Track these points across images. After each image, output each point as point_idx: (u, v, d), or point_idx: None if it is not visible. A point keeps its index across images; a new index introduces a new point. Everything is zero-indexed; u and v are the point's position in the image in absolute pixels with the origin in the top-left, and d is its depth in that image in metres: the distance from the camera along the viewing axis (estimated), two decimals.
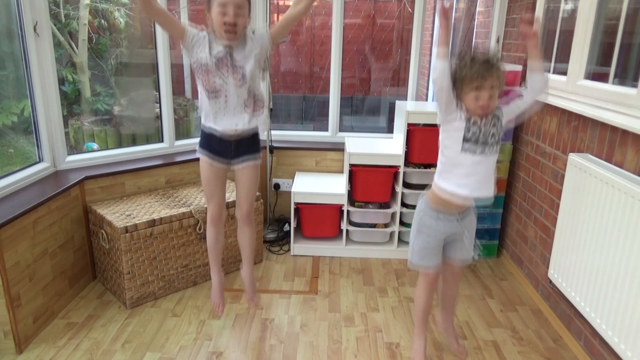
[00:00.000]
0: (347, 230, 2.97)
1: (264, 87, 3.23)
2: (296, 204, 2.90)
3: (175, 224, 2.40)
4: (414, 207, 2.89)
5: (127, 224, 2.24)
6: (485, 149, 1.70)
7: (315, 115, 4.33)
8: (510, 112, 1.73)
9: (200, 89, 1.88)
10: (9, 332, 1.96)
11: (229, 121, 1.89)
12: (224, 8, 1.73)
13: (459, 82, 1.64)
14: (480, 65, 1.60)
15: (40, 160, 2.45)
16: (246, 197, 2.09)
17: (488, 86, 1.61)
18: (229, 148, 1.96)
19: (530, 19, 1.72)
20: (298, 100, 4.42)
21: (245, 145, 1.98)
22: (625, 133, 1.80)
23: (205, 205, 2.50)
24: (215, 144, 1.95)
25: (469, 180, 1.73)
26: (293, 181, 3.12)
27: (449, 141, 1.73)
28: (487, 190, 1.76)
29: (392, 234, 2.98)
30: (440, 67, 1.63)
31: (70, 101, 4.13)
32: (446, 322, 2.07)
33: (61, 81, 3.90)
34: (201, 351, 2.05)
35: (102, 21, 4.16)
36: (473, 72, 1.60)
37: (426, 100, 4.25)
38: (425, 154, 2.81)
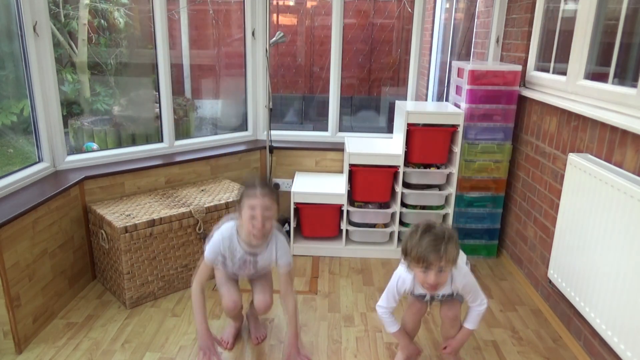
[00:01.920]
0: (346, 230, 2.97)
1: (265, 91, 3.22)
2: (296, 204, 2.90)
3: (175, 224, 2.40)
4: (413, 207, 2.90)
5: (127, 224, 2.24)
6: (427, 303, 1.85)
7: (315, 115, 4.33)
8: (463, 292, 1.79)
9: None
10: (8, 332, 1.96)
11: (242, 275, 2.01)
12: (253, 211, 1.75)
13: (408, 256, 1.63)
14: (428, 246, 1.56)
15: (40, 160, 2.45)
16: (267, 292, 2.03)
17: (435, 268, 1.58)
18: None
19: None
20: (298, 100, 4.42)
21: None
22: (624, 133, 1.80)
23: (205, 205, 2.50)
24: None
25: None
26: (293, 181, 3.12)
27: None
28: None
29: (392, 234, 2.98)
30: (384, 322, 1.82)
31: (70, 101, 4.13)
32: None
33: (61, 81, 3.90)
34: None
35: (102, 21, 4.16)
36: (419, 253, 1.57)
37: (426, 100, 4.25)
38: (425, 154, 2.81)
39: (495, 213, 2.90)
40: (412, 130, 2.75)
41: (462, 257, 1.77)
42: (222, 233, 1.86)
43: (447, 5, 4.35)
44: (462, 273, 1.73)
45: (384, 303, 1.82)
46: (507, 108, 2.72)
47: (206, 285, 1.92)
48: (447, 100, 3.37)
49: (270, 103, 3.13)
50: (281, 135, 3.35)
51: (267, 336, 2.17)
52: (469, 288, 1.76)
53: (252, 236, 1.80)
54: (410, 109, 2.77)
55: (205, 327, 1.89)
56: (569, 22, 2.35)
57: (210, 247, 1.86)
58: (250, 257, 1.89)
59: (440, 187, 2.91)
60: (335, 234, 3.02)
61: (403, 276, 1.78)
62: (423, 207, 2.90)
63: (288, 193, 2.97)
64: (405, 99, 3.35)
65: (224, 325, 2.24)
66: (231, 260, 1.89)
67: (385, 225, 2.96)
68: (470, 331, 1.84)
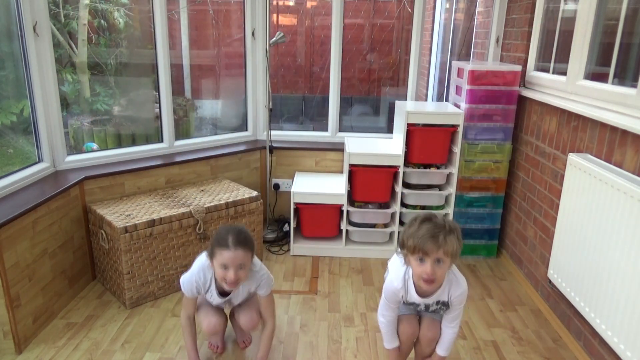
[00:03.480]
0: (346, 230, 2.97)
1: (265, 91, 3.22)
2: (296, 204, 2.90)
3: (175, 224, 2.40)
4: (413, 207, 2.90)
5: (127, 224, 2.24)
6: (421, 314, 1.79)
7: (315, 115, 4.33)
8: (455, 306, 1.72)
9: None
10: (8, 332, 1.96)
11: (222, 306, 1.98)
12: (226, 267, 1.70)
13: (404, 246, 1.57)
14: (427, 234, 1.50)
15: (40, 160, 2.45)
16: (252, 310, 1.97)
17: (432, 259, 1.51)
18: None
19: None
20: (298, 100, 4.42)
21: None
22: (624, 133, 1.80)
23: (205, 206, 2.50)
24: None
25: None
26: (293, 181, 3.12)
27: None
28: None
29: (391, 234, 2.98)
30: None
31: (70, 101, 4.12)
32: None
33: (61, 81, 3.90)
34: (201, 351, 2.05)
35: (102, 21, 4.15)
36: (417, 242, 1.51)
37: (426, 100, 4.25)
38: (425, 154, 2.81)
39: (495, 213, 2.90)
40: (412, 131, 2.75)
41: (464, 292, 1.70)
42: (198, 269, 1.81)
43: (447, 5, 4.35)
44: (461, 280, 1.67)
45: (383, 311, 1.76)
46: (507, 108, 2.72)
47: (193, 315, 1.89)
48: (447, 100, 3.37)
49: (270, 103, 3.13)
50: (281, 135, 3.35)
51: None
52: (460, 300, 1.68)
53: (224, 285, 1.75)
54: (410, 109, 2.77)
55: (195, 354, 1.91)
56: (569, 22, 2.35)
57: (186, 283, 1.81)
58: (224, 303, 1.91)
59: (440, 187, 2.91)
60: (335, 234, 3.02)
61: (392, 277, 1.71)
62: (423, 207, 2.90)
63: (288, 193, 2.97)
64: (405, 99, 3.35)
65: None
66: (210, 294, 1.86)
67: (385, 226, 2.96)
68: (442, 358, 1.79)
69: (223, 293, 1.86)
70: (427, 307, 1.72)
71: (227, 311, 2.05)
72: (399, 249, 1.62)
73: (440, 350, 1.78)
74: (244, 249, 1.71)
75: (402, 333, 1.80)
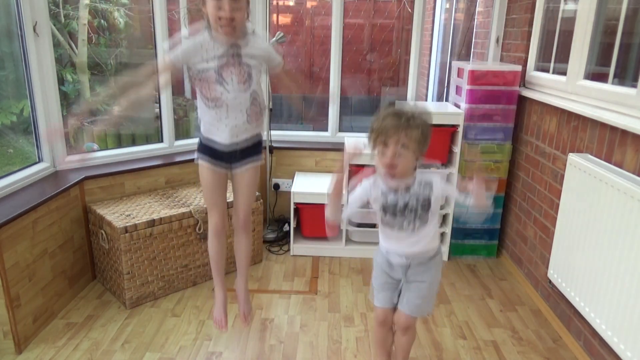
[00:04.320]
0: (346, 230, 2.97)
1: (264, 88, 3.22)
2: (296, 204, 2.90)
3: (175, 224, 2.40)
4: None
5: (127, 224, 2.24)
6: (403, 224, 1.58)
7: (315, 116, 4.33)
8: (446, 194, 1.60)
9: (199, 96, 1.76)
10: (8, 332, 1.96)
11: (229, 133, 1.76)
12: (220, 2, 1.57)
13: (371, 135, 1.52)
14: (391, 119, 1.45)
15: (40, 160, 2.45)
16: (246, 202, 1.94)
17: (393, 142, 1.46)
18: (231, 155, 1.85)
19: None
20: (298, 100, 4.42)
21: (247, 151, 1.86)
22: (624, 133, 1.80)
23: (205, 206, 2.49)
24: (215, 151, 1.83)
25: (396, 244, 1.65)
26: (293, 181, 3.12)
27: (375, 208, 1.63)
28: (419, 248, 1.63)
29: None
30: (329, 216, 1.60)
31: (70, 101, 4.12)
32: None
33: (61, 81, 3.90)
34: (201, 351, 2.05)
35: (102, 21, 4.15)
36: (379, 126, 1.46)
37: (426, 100, 4.25)
38: (425, 153, 2.81)
39: (495, 213, 2.89)
40: None
41: (444, 176, 1.59)
42: (193, 37, 1.67)
43: (447, 5, 4.35)
44: (440, 178, 1.58)
45: (343, 209, 1.64)
46: (507, 108, 2.72)
47: (166, 80, 1.77)
48: (447, 100, 3.37)
49: (270, 103, 3.13)
50: (281, 135, 3.35)
51: (267, 336, 2.17)
52: (442, 182, 1.58)
53: (220, 29, 1.61)
54: None
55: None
56: (569, 22, 2.35)
57: (181, 42, 1.66)
58: (233, 50, 1.68)
59: None
60: (335, 234, 3.01)
61: (365, 177, 1.64)
62: None
63: (288, 193, 2.96)
64: (405, 99, 3.34)
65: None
66: (212, 56, 1.66)
67: None
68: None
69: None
70: (405, 205, 1.57)
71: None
72: (368, 139, 1.55)
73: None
74: None
75: (377, 340, 1.81)
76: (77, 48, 4.08)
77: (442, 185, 1.59)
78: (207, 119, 1.78)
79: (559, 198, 2.19)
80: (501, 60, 3.06)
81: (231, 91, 1.70)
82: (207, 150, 1.83)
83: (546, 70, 2.58)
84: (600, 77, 2.09)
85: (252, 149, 1.88)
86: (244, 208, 1.95)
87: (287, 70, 1.88)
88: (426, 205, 1.57)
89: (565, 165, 2.12)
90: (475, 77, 2.69)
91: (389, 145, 1.47)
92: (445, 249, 2.93)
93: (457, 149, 2.76)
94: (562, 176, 2.20)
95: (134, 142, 3.90)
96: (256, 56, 1.73)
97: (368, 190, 1.63)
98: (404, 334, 1.75)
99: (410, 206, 1.57)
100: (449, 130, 2.76)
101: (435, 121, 2.77)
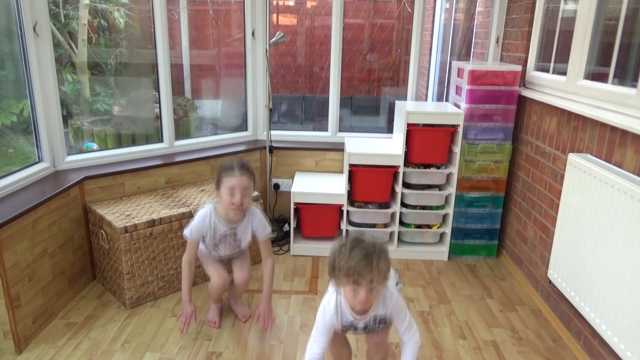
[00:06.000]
0: (346, 231, 2.97)
1: (265, 91, 3.22)
2: (296, 204, 2.90)
3: (175, 224, 2.40)
4: (413, 207, 2.90)
5: (127, 224, 2.24)
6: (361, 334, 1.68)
7: (315, 115, 4.33)
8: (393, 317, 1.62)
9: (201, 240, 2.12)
10: (8, 332, 1.96)
11: (224, 257, 2.20)
12: (232, 191, 1.93)
13: (336, 272, 1.45)
14: (361, 260, 1.40)
15: (40, 160, 2.45)
16: (246, 275, 2.21)
17: (366, 282, 1.41)
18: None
19: None
20: (298, 100, 4.42)
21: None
22: (624, 133, 1.80)
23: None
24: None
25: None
26: (293, 181, 3.12)
27: None
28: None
29: (391, 234, 2.98)
30: None
31: (70, 101, 4.12)
32: None
33: (61, 81, 3.90)
34: (201, 351, 2.05)
35: (102, 21, 4.15)
36: (350, 267, 1.40)
37: (426, 100, 4.25)
38: (425, 154, 2.81)
39: (495, 213, 2.90)
40: (412, 131, 2.75)
41: (392, 274, 1.61)
42: (202, 215, 2.04)
43: (447, 5, 4.35)
44: (392, 289, 1.59)
45: (313, 348, 1.59)
46: (507, 108, 2.72)
47: (194, 260, 2.09)
48: (447, 100, 3.37)
49: (270, 103, 3.13)
50: (281, 135, 3.35)
51: (267, 336, 2.17)
52: (399, 308, 1.60)
53: (231, 211, 1.98)
54: (410, 109, 2.77)
55: (189, 297, 2.09)
56: (569, 22, 2.35)
57: (194, 227, 2.03)
58: (230, 230, 2.08)
59: (440, 187, 2.91)
60: (335, 234, 3.01)
61: (324, 303, 1.60)
62: (423, 207, 2.90)
63: (288, 193, 2.96)
64: (405, 99, 3.35)
65: (224, 325, 2.23)
66: (212, 237, 2.07)
67: (385, 226, 2.96)
68: None
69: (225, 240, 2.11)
70: (366, 326, 1.62)
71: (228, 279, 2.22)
72: (331, 275, 1.51)
73: None
74: (248, 176, 1.97)
75: (333, 354, 1.80)
76: (77, 48, 4.08)
77: (396, 310, 1.61)
78: (205, 251, 2.19)
79: (559, 198, 2.19)
80: (501, 60, 3.06)
81: (223, 252, 2.16)
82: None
83: (546, 70, 2.58)
84: (600, 77, 2.09)
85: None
86: (245, 274, 2.22)
87: (269, 247, 2.18)
88: (383, 322, 1.64)
89: (565, 165, 2.12)
90: (475, 77, 2.69)
91: (361, 284, 1.42)
92: (445, 249, 2.94)
93: (457, 149, 2.76)
94: (562, 176, 2.20)
95: (134, 142, 3.91)
96: (248, 233, 2.13)
97: (334, 322, 1.60)
98: (378, 350, 1.76)
99: (369, 328, 1.64)
100: (449, 130, 2.77)
101: (435, 121, 2.80)
